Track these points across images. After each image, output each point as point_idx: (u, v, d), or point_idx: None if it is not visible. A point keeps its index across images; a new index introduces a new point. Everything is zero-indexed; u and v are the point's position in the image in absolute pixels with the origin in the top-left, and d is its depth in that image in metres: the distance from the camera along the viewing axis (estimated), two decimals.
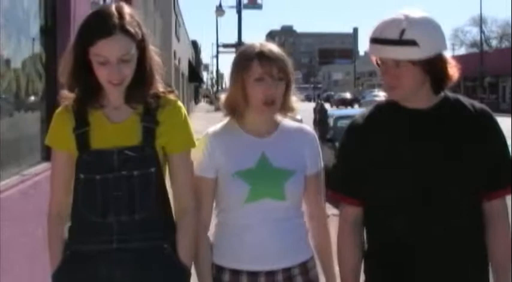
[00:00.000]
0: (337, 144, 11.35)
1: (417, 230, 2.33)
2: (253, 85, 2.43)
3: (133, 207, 2.36)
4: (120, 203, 2.36)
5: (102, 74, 2.29)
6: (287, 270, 2.50)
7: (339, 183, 2.53)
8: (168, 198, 2.43)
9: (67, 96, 2.39)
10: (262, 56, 2.43)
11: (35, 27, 4.63)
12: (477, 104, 2.43)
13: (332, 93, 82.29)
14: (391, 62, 2.31)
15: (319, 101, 10.40)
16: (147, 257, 2.37)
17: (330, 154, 11.80)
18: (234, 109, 2.50)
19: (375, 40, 2.32)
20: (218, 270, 2.52)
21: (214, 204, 2.61)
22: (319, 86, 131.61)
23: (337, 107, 53.68)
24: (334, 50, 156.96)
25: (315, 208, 2.66)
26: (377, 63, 2.40)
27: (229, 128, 2.57)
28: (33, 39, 4.59)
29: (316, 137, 2.70)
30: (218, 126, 2.60)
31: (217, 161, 2.50)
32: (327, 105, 25.91)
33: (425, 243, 2.32)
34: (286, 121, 2.61)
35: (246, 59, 2.46)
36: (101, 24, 2.26)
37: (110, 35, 2.24)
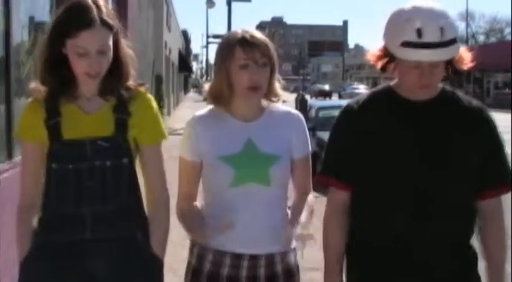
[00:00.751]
0: (318, 133, 11.89)
1: (411, 223, 2.28)
2: (238, 72, 2.40)
3: (106, 198, 2.35)
4: (93, 193, 2.34)
5: (81, 66, 2.27)
6: (270, 256, 2.49)
7: (329, 168, 2.47)
8: (139, 189, 2.41)
9: (37, 89, 2.37)
10: (245, 42, 2.40)
11: None
12: (473, 100, 2.39)
13: (320, 85, 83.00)
14: (432, 63, 2.21)
15: (300, 92, 10.88)
16: (120, 247, 2.37)
17: (311, 142, 12.50)
18: (220, 97, 2.48)
19: (412, 44, 2.18)
20: (201, 249, 2.51)
21: (200, 187, 2.61)
22: (308, 78, 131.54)
23: (316, 98, 55.59)
24: (324, 42, 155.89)
25: (303, 192, 2.62)
26: (384, 65, 2.34)
27: (215, 113, 2.54)
28: None
29: (303, 120, 2.65)
30: (204, 110, 2.58)
31: (202, 146, 2.49)
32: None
33: (419, 235, 2.28)
34: (273, 106, 2.57)
35: (229, 46, 2.43)
36: (81, 16, 2.24)
37: (90, 27, 2.23)
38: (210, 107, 2.56)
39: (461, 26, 65.04)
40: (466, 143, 2.28)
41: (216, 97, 2.48)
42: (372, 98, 2.44)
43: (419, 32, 2.15)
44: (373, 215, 2.36)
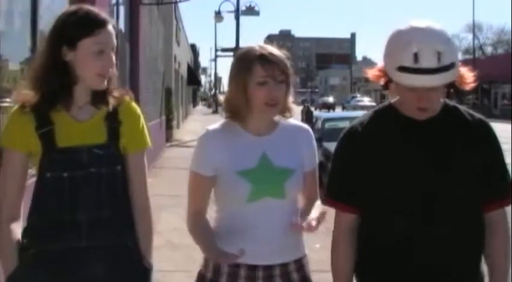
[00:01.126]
0: (324, 144, 12.15)
1: (416, 234, 2.28)
2: (256, 88, 2.40)
3: (101, 205, 2.34)
4: (89, 200, 2.33)
5: (96, 66, 2.29)
6: (284, 266, 2.51)
7: (336, 191, 2.47)
8: (129, 196, 2.42)
9: (25, 95, 2.34)
10: (264, 59, 2.40)
11: None
12: (475, 114, 2.38)
13: (326, 98, 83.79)
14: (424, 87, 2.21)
15: (306, 104, 11.17)
16: (114, 254, 2.37)
17: (318, 153, 12.78)
18: (236, 111, 2.48)
19: (407, 69, 2.16)
20: (217, 263, 2.50)
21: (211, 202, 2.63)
22: (317, 90, 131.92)
23: (320, 110, 56.82)
24: (332, 54, 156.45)
25: (311, 199, 2.65)
26: (385, 83, 2.34)
27: (229, 127, 2.53)
28: None
29: (313, 135, 2.68)
30: (218, 124, 2.57)
31: (217, 160, 2.48)
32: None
33: (424, 246, 2.28)
34: (284, 120, 2.58)
35: (248, 62, 2.42)
36: (95, 16, 2.29)
37: (107, 25, 2.30)
38: (222, 121, 2.56)
39: (468, 37, 65.06)
40: (468, 154, 2.28)
41: (232, 111, 2.48)
42: (374, 119, 2.43)
43: (415, 57, 2.12)
44: (380, 221, 2.35)
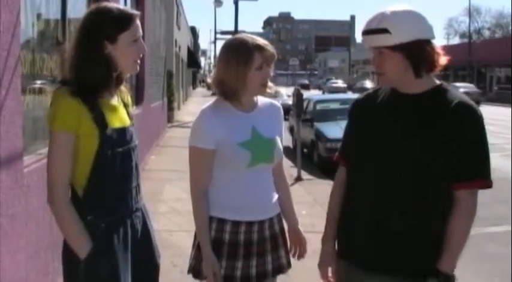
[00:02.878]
0: (315, 124, 12.84)
1: (382, 202, 2.48)
2: (255, 73, 2.73)
3: (137, 173, 2.67)
4: (134, 170, 2.64)
5: (134, 51, 2.56)
6: (271, 219, 2.92)
7: (340, 147, 2.83)
8: None
9: (70, 82, 2.48)
10: (261, 48, 2.74)
11: None
12: (463, 99, 2.46)
13: (327, 79, 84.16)
14: (375, 50, 2.49)
15: (296, 87, 11.71)
16: (143, 213, 2.74)
17: (309, 132, 13.28)
18: (233, 93, 2.78)
19: (362, 33, 2.52)
20: (219, 222, 2.82)
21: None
22: (316, 72, 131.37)
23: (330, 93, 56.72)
24: (331, 37, 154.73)
25: (279, 166, 3.06)
26: None
27: (221, 105, 2.83)
28: None
29: (282, 109, 3.08)
30: (210, 104, 2.88)
31: (218, 134, 2.76)
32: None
33: (384, 204, 2.48)
34: (260, 97, 2.95)
35: (248, 52, 2.73)
36: (127, 12, 2.55)
37: (136, 18, 2.56)
38: (213, 101, 2.89)
39: (467, 21, 64.79)
40: (440, 132, 2.39)
41: (229, 92, 2.79)
42: (375, 92, 2.71)
43: (366, 23, 2.51)
44: (356, 177, 2.63)
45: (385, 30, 2.41)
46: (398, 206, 2.46)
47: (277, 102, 3.10)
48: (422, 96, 2.49)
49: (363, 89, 40.55)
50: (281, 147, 2.97)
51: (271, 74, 2.84)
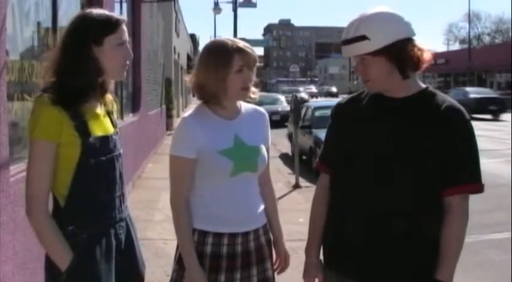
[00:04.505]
0: (314, 131, 12.82)
1: (366, 210, 2.44)
2: (234, 76, 2.65)
3: (121, 182, 2.63)
4: (118, 179, 2.60)
5: (121, 55, 2.53)
6: (256, 231, 2.81)
7: (321, 154, 2.78)
8: None
9: (51, 89, 2.43)
10: (241, 50, 2.66)
11: None
12: (451, 104, 2.42)
13: (328, 87, 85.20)
14: (357, 58, 2.45)
15: (294, 94, 11.66)
16: (127, 223, 2.68)
17: (307, 138, 13.25)
18: (214, 97, 2.71)
19: (341, 43, 2.48)
20: (201, 234, 2.71)
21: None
22: (316, 79, 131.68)
23: (325, 97, 58.35)
24: (331, 44, 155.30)
25: (265, 174, 2.96)
26: None
27: (203, 113, 2.75)
28: None
29: (267, 116, 2.99)
30: (191, 112, 2.79)
31: (199, 142, 2.67)
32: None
33: (370, 222, 2.43)
34: (244, 104, 2.88)
35: (227, 54, 2.65)
36: (113, 15, 2.54)
37: (122, 23, 2.55)
38: (194, 108, 2.81)
39: (466, 26, 65.09)
40: (424, 137, 2.36)
41: (209, 97, 2.72)
42: (358, 95, 2.68)
43: (344, 33, 2.48)
44: (338, 197, 2.59)
45: (363, 37, 2.38)
46: (391, 211, 2.41)
47: (261, 108, 3.01)
48: (409, 100, 2.45)
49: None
50: (266, 155, 2.87)
51: (253, 78, 2.76)
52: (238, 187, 2.75)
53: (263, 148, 2.85)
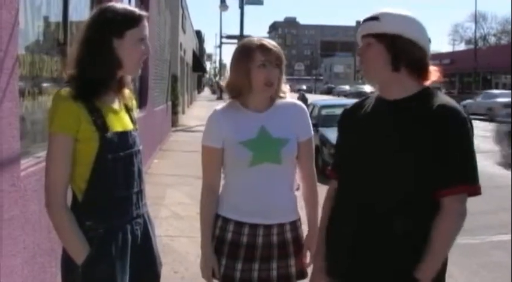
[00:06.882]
0: (320, 129, 12.83)
1: (363, 211, 2.43)
2: (257, 71, 2.78)
3: (140, 179, 2.64)
4: (136, 176, 2.60)
5: (140, 50, 2.54)
6: (281, 226, 2.85)
7: (332, 161, 2.79)
8: None
9: (72, 85, 2.44)
10: (263, 46, 2.81)
11: None
12: (450, 103, 2.39)
13: (333, 85, 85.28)
14: (364, 41, 2.49)
15: (301, 92, 11.68)
16: (145, 219, 2.68)
17: (315, 138, 13.41)
18: (239, 92, 2.85)
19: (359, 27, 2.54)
20: (224, 220, 2.86)
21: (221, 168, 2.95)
22: (321, 78, 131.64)
23: (339, 96, 58.26)
24: (337, 42, 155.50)
25: (306, 170, 2.99)
26: None
27: (233, 106, 2.90)
28: None
29: (306, 110, 3.03)
30: (222, 105, 2.96)
31: (224, 133, 2.84)
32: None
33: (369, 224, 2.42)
34: (280, 99, 2.95)
35: (249, 50, 2.81)
36: (136, 10, 2.56)
37: (144, 19, 2.57)
38: (226, 102, 2.96)
39: (473, 27, 64.89)
40: (422, 136, 2.33)
41: (236, 92, 2.88)
42: (363, 100, 2.71)
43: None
44: (342, 184, 2.61)
45: (375, 18, 2.45)
46: (389, 212, 2.39)
47: (300, 103, 3.07)
48: (406, 101, 2.45)
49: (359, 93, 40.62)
50: (294, 147, 2.89)
51: (282, 76, 2.88)
52: (259, 178, 2.82)
53: (292, 140, 2.87)
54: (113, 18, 2.49)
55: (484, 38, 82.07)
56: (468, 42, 79.00)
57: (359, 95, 49.14)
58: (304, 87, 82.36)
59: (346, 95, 60.72)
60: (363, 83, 74.21)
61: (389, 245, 2.39)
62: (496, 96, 31.88)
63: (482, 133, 17.50)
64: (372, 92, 2.72)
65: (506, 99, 29.27)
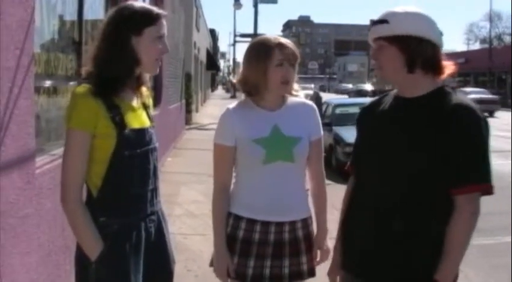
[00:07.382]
0: (334, 128, 12.80)
1: (372, 208, 2.47)
2: (275, 69, 2.77)
3: (155, 176, 2.64)
4: (151, 173, 2.60)
5: (158, 48, 2.55)
6: (292, 223, 2.86)
7: (350, 158, 2.82)
8: None
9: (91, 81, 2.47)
10: (282, 45, 2.80)
11: None
12: (463, 102, 2.38)
13: (349, 85, 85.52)
14: (375, 44, 2.50)
15: (315, 91, 11.69)
16: (158, 216, 2.68)
17: (327, 136, 13.02)
18: (254, 90, 2.83)
19: (368, 29, 2.57)
20: (236, 218, 2.86)
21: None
22: (335, 76, 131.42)
23: (343, 94, 58.95)
24: (351, 41, 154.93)
25: (315, 169, 3.00)
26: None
27: (245, 105, 2.90)
28: None
29: (316, 109, 3.05)
30: (235, 103, 2.95)
31: (237, 131, 2.82)
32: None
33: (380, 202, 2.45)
34: (291, 98, 2.95)
35: (268, 48, 2.78)
36: (153, 9, 2.56)
37: (162, 17, 2.58)
38: (239, 100, 2.98)
39: (487, 26, 64.62)
40: (434, 136, 2.33)
41: (251, 89, 2.86)
42: (381, 98, 2.72)
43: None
44: (356, 196, 2.65)
45: (384, 21, 2.45)
46: (398, 213, 2.41)
47: (310, 102, 3.08)
48: (421, 99, 2.45)
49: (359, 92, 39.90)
50: (306, 146, 2.91)
51: (295, 75, 2.86)
52: (272, 176, 2.83)
53: (304, 139, 2.89)
54: (132, 16, 2.51)
55: (499, 37, 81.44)
56: (483, 41, 78.51)
57: (359, 93, 49.20)
58: (312, 85, 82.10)
59: (348, 92, 61.38)
60: (377, 82, 74.28)
61: (402, 244, 2.40)
62: (468, 93, 32.33)
63: (495, 133, 17.36)
64: (372, 91, 2.73)
65: (478, 96, 30.88)
